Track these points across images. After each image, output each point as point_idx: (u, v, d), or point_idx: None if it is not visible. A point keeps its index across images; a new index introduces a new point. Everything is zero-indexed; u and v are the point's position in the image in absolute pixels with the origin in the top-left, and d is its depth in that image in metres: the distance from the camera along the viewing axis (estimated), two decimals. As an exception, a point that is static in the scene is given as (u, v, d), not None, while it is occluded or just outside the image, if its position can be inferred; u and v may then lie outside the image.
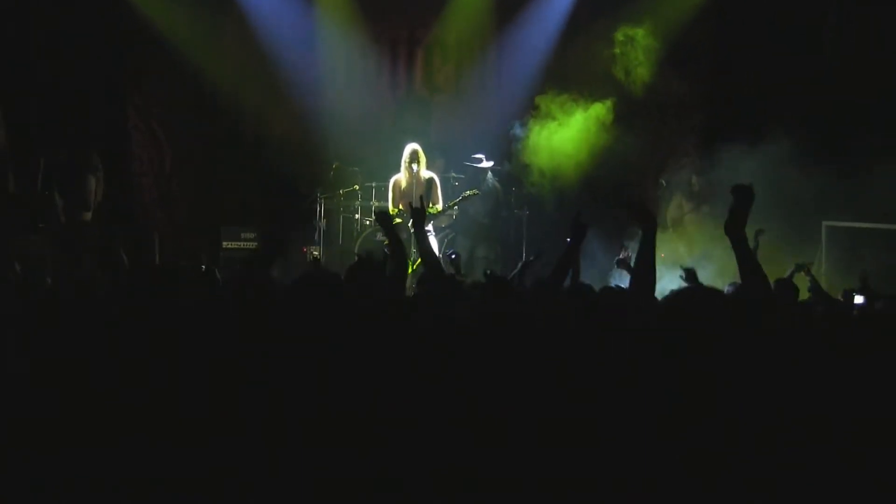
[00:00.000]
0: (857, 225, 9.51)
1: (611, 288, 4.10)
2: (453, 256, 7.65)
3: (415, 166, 9.36)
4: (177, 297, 3.27)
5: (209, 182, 11.20)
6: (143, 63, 10.69)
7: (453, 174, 10.36)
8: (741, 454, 2.34)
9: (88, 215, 8.73)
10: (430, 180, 9.41)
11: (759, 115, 9.78)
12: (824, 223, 9.58)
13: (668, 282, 5.72)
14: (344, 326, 2.78)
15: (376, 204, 10.09)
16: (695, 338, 2.50)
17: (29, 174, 8.34)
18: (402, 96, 11.57)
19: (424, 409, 2.62)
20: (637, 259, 3.69)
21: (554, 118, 9.38)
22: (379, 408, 2.59)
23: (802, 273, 6.64)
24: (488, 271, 5.76)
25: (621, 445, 2.42)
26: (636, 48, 9.56)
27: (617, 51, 9.58)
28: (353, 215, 10.33)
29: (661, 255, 5.17)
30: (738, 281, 3.34)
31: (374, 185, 10.23)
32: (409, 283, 5.97)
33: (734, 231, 3.22)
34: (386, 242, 4.94)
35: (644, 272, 3.61)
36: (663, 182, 10.45)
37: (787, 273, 6.18)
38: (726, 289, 4.67)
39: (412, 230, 4.96)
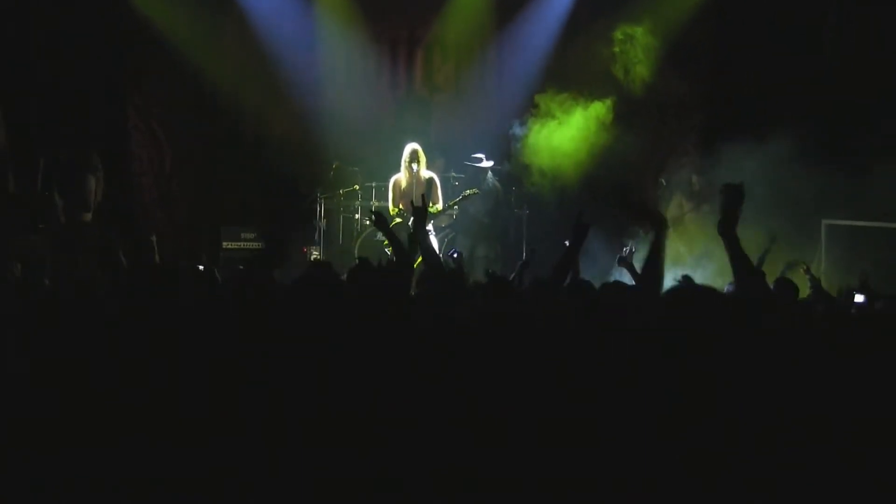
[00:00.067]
0: (856, 223, 9.51)
1: (612, 283, 4.09)
2: (455, 255, 7.65)
3: (415, 166, 9.36)
4: (177, 297, 3.27)
5: (209, 182, 11.19)
6: (143, 63, 10.68)
7: (453, 174, 10.36)
8: (741, 454, 2.34)
9: (88, 215, 8.73)
10: (430, 180, 9.41)
11: (759, 114, 9.77)
12: (824, 221, 9.57)
13: (668, 281, 5.71)
14: (344, 326, 2.78)
15: (376, 204, 10.10)
16: (695, 338, 2.50)
17: (29, 174, 8.33)
18: (402, 96, 11.57)
19: (424, 409, 2.62)
20: (647, 260, 3.69)
21: (554, 117, 9.38)
22: (379, 408, 2.59)
23: (802, 271, 6.63)
24: (490, 271, 5.77)
25: (621, 445, 2.42)
26: (635, 46, 9.56)
27: (616, 49, 9.58)
28: (353, 215, 10.34)
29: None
30: (738, 280, 3.34)
31: (374, 184, 10.24)
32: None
33: (727, 231, 3.21)
34: (386, 242, 4.94)
35: (653, 272, 3.61)
36: (663, 181, 10.44)
37: (780, 272, 6.16)
38: (726, 288, 4.67)
39: (413, 229, 4.95)
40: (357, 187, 10.17)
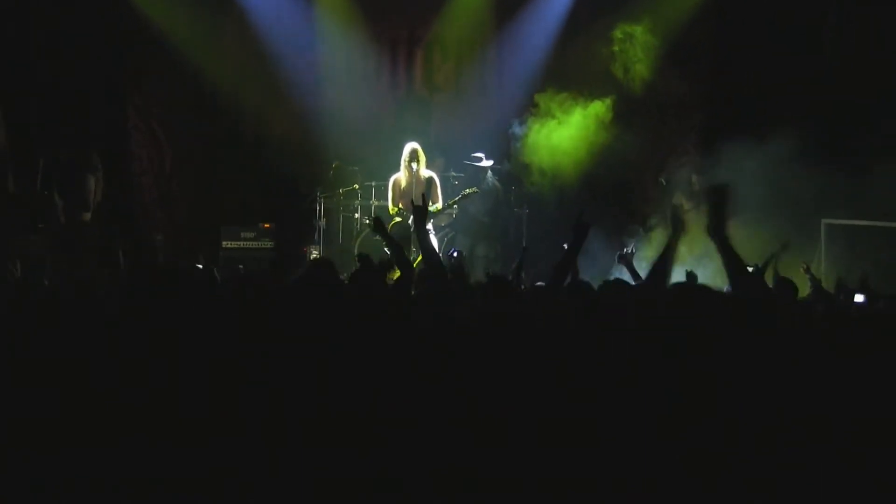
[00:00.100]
0: (856, 223, 9.51)
1: (612, 282, 4.08)
2: (455, 255, 7.65)
3: (414, 165, 9.36)
4: (177, 297, 3.27)
5: (209, 182, 11.20)
6: (143, 63, 10.68)
7: (453, 173, 10.36)
8: (741, 454, 2.34)
9: (88, 215, 8.73)
10: (430, 179, 9.40)
11: (759, 114, 9.78)
12: (824, 221, 9.57)
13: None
14: (344, 326, 2.78)
15: (376, 203, 10.10)
16: (695, 337, 2.50)
17: (29, 174, 8.33)
18: (402, 96, 11.56)
19: (424, 409, 2.62)
20: (658, 257, 3.70)
21: (553, 116, 9.38)
22: (379, 408, 2.59)
23: (801, 271, 6.63)
24: (490, 271, 5.76)
25: (621, 445, 2.42)
26: (635, 45, 9.56)
27: (616, 48, 9.58)
28: (353, 214, 10.34)
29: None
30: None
31: (373, 184, 10.24)
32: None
33: (717, 232, 3.21)
34: (385, 244, 4.94)
35: (662, 269, 3.62)
36: (663, 181, 10.44)
37: (762, 262, 6.05)
38: (726, 288, 4.66)
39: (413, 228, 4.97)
40: (357, 187, 10.17)
